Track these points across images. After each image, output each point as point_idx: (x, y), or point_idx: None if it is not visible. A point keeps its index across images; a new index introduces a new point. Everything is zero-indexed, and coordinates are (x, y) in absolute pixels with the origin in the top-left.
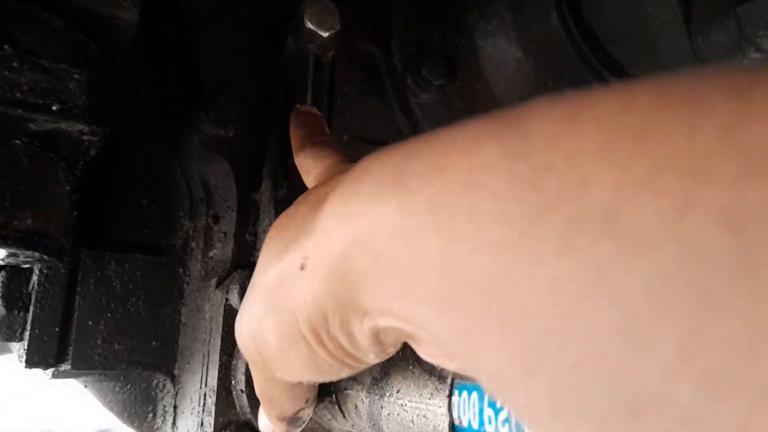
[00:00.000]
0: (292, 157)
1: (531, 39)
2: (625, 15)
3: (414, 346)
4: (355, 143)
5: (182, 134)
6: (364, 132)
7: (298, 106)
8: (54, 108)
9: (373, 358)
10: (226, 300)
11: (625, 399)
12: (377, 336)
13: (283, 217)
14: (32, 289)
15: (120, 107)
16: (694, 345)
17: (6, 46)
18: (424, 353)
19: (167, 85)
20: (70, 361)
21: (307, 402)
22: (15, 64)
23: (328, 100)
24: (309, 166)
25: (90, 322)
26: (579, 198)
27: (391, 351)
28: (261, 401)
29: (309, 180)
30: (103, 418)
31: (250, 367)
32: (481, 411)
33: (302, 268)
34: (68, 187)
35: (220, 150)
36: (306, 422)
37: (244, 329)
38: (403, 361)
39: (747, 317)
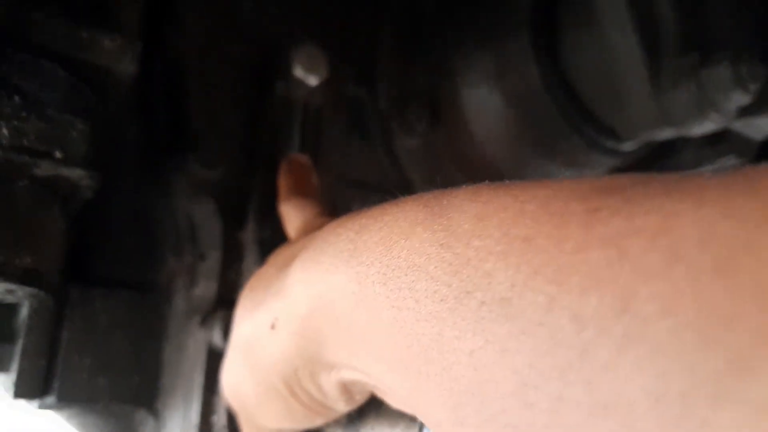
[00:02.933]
0: (276, 198)
1: (511, 89)
2: (600, 70)
3: (378, 395)
4: (339, 184)
5: (170, 174)
6: (349, 173)
7: (290, 154)
8: (57, 155)
9: (342, 407)
10: (209, 338)
11: None
12: (344, 387)
13: (255, 278)
14: (21, 323)
15: (111, 149)
16: (558, 400)
17: (16, 97)
18: (388, 401)
19: (156, 125)
20: (55, 393)
21: None
22: (23, 114)
23: (314, 142)
24: (290, 217)
25: (75, 356)
26: (486, 288)
27: (359, 399)
28: None
29: (290, 230)
30: None
31: (237, 415)
32: None
33: (272, 327)
34: (63, 227)
35: (206, 190)
36: None
37: (226, 383)
38: (378, 399)
39: (587, 381)
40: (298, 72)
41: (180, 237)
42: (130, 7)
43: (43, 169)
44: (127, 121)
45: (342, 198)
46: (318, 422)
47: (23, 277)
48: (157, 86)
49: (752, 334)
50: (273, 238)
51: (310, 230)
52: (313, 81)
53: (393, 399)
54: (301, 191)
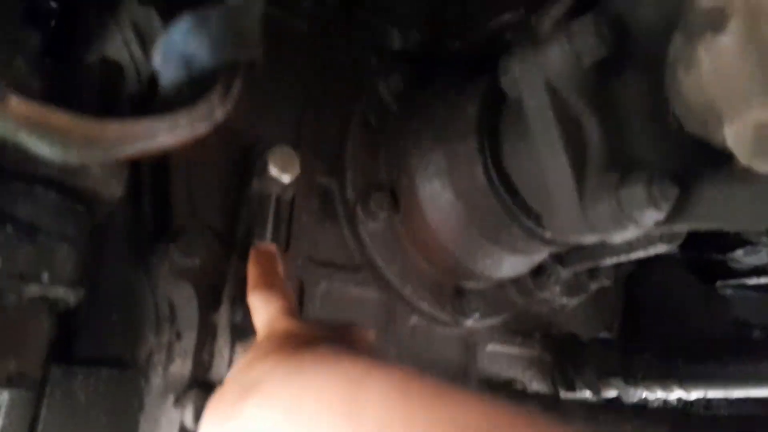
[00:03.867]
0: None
1: (460, 184)
2: (535, 176)
3: None
4: (309, 265)
5: (153, 260)
6: (318, 254)
7: (257, 242)
8: (44, 278)
9: None
10: (181, 419)
11: None
12: None
13: (217, 396)
14: (1, 405)
15: (98, 240)
16: None
17: (8, 225)
18: None
19: (142, 217)
20: None
21: None
22: (15, 241)
23: (286, 230)
24: (257, 308)
25: None
26: None
27: None
28: None
29: (256, 319)
30: None
31: None
32: None
33: None
34: (48, 326)
35: (186, 276)
36: None
37: None
38: None
39: None
40: (273, 171)
41: (160, 317)
42: None
43: (31, 290)
44: (114, 213)
45: (311, 277)
46: None
47: (7, 382)
48: (144, 183)
49: None
50: (244, 323)
51: (273, 330)
52: (286, 179)
53: None
54: (267, 281)
